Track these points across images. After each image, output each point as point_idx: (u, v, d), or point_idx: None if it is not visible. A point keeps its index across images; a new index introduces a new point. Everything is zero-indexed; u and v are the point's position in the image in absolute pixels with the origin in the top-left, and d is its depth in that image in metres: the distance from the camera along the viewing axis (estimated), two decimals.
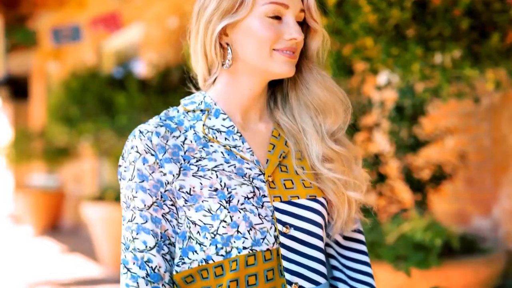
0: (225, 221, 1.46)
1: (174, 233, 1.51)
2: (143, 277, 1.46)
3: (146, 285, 1.46)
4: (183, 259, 1.49)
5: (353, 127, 4.01)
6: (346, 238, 1.69)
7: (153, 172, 1.49)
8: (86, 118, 7.65)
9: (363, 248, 1.71)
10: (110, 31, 10.11)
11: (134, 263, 1.47)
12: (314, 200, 1.56)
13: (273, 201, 1.52)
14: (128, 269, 1.48)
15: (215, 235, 1.47)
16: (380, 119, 3.97)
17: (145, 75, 8.18)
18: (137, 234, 1.48)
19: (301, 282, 1.51)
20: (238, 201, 1.48)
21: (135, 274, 1.46)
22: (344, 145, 1.64)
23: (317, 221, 1.54)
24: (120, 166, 1.56)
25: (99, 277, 8.28)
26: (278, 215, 1.51)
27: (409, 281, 3.39)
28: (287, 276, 1.49)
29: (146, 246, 1.48)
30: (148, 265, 1.47)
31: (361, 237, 1.72)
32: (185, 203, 1.49)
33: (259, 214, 1.49)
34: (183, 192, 1.49)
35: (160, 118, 1.56)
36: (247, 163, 1.54)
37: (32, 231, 12.84)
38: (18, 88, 17.56)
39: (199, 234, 1.48)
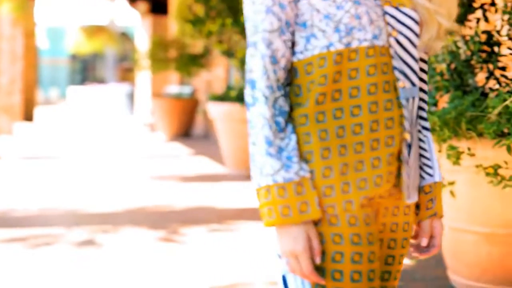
0: (349, 12, 1.58)
1: (295, 23, 1.61)
2: (269, 56, 1.58)
3: (271, 64, 1.58)
4: (306, 46, 1.60)
5: (468, 6, 3.84)
6: None
7: None
8: (210, 17, 7.75)
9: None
10: None
11: (262, 43, 1.59)
12: (415, 10, 1.69)
13: (384, 5, 1.64)
14: (258, 49, 1.59)
15: (338, 23, 1.58)
16: None
17: None
18: (265, 15, 1.58)
19: (404, 82, 1.65)
20: None
21: (263, 53, 1.58)
22: None
23: (416, 31, 1.68)
24: None
25: (220, 174, 8.56)
26: (388, 17, 1.63)
27: (511, 158, 3.26)
28: (396, 73, 1.63)
29: (272, 27, 1.59)
30: (271, 47, 1.59)
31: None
32: None
33: (376, 12, 1.61)
34: None
35: None
36: None
37: (165, 137, 13.37)
38: (157, 3, 18.03)
39: (321, 22, 1.59)
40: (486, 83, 3.73)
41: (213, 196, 6.99)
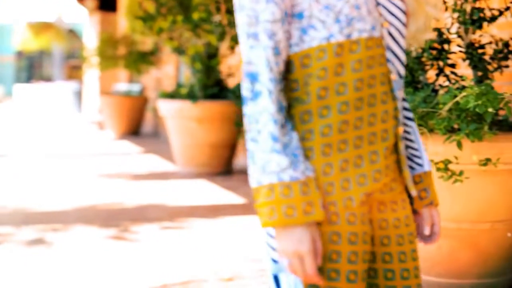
0: (349, 2, 1.53)
1: (291, 14, 1.54)
2: (272, 48, 1.52)
3: (274, 56, 1.52)
4: (302, 38, 1.54)
5: None
6: None
7: None
8: (161, 14, 7.71)
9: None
10: None
11: (264, 34, 1.51)
12: (402, 0, 1.67)
13: None
14: (259, 40, 1.52)
15: (339, 14, 1.52)
16: None
17: None
18: (266, 4, 1.51)
19: (395, 74, 1.63)
20: None
21: (265, 44, 1.51)
22: None
23: (405, 22, 1.65)
24: None
25: (170, 171, 8.51)
26: (380, 8, 1.60)
27: (461, 154, 3.32)
28: (389, 65, 1.60)
29: (274, 18, 1.51)
30: (273, 38, 1.51)
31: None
32: None
33: (372, 2, 1.58)
34: None
35: None
36: None
37: (114, 135, 13.24)
38: (105, 0, 17.85)
39: (321, 12, 1.53)
40: (436, 79, 3.79)
41: (163, 194, 6.95)
